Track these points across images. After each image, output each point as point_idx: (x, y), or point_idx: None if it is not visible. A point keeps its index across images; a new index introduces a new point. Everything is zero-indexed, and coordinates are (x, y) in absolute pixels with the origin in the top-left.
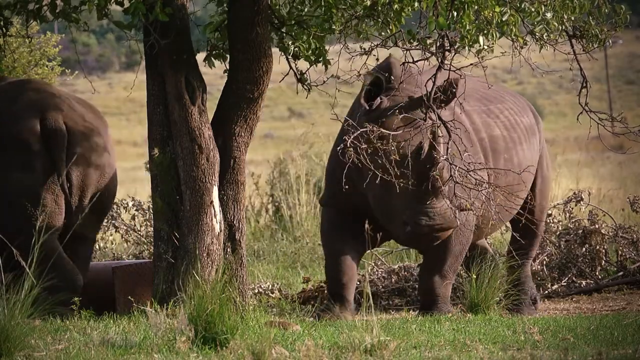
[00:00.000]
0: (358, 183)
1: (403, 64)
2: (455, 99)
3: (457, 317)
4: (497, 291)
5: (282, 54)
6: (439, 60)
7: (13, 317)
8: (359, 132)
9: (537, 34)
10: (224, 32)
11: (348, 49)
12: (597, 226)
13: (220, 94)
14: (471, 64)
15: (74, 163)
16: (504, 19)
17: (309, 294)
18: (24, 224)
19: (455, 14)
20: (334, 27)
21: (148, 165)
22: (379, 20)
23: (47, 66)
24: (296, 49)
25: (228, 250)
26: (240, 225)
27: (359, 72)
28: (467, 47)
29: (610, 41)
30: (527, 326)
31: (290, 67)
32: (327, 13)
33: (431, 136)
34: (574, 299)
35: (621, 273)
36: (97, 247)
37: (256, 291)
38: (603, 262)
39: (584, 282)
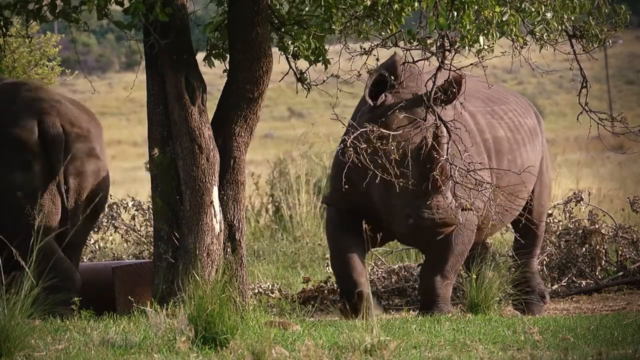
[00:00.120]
0: (358, 183)
1: (403, 63)
2: (457, 98)
3: (457, 317)
4: (497, 291)
5: (282, 53)
6: (439, 60)
7: (13, 317)
8: (358, 132)
9: (537, 34)
10: (223, 32)
11: (348, 49)
12: (597, 226)
13: (220, 94)
14: (471, 64)
15: (70, 165)
16: (504, 19)
17: (309, 294)
18: (22, 223)
19: (455, 14)
20: (334, 27)
21: (148, 165)
22: (379, 20)
23: (47, 66)
24: (296, 48)
25: (228, 250)
26: (240, 225)
27: (359, 72)
28: (467, 47)
29: (610, 41)
30: (527, 326)
31: (290, 67)
32: (327, 13)
33: (433, 133)
34: (574, 299)
35: (621, 273)
36: (97, 247)
37: (256, 291)
38: (603, 262)
39: (584, 282)
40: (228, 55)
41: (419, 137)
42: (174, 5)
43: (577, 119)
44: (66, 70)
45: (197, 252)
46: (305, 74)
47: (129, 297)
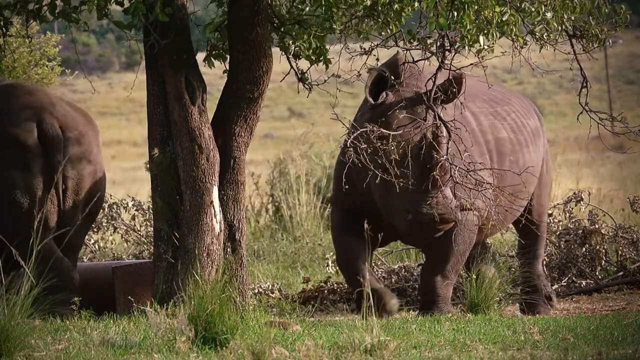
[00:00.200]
0: (359, 183)
1: (403, 63)
2: (457, 98)
3: (457, 317)
4: (497, 291)
5: (283, 53)
6: (439, 60)
7: (13, 317)
8: (359, 132)
9: (537, 33)
10: (223, 33)
11: (348, 48)
12: (597, 226)
13: (220, 94)
14: (471, 64)
15: (68, 166)
16: (504, 19)
17: (309, 294)
18: (22, 224)
19: (455, 14)
20: (335, 26)
21: (148, 165)
22: (379, 20)
23: (47, 66)
24: (297, 48)
25: (228, 250)
26: (240, 225)
27: (358, 72)
28: (467, 47)
29: (610, 41)
30: (527, 326)
31: (291, 67)
32: (327, 12)
33: (432, 131)
34: (574, 299)
35: (621, 273)
36: (97, 247)
37: (256, 291)
38: (603, 262)
39: (584, 282)
40: (228, 56)
41: (419, 136)
42: (174, 5)
43: (577, 119)
44: (66, 70)
45: (197, 252)
46: (306, 74)
47: (129, 297)
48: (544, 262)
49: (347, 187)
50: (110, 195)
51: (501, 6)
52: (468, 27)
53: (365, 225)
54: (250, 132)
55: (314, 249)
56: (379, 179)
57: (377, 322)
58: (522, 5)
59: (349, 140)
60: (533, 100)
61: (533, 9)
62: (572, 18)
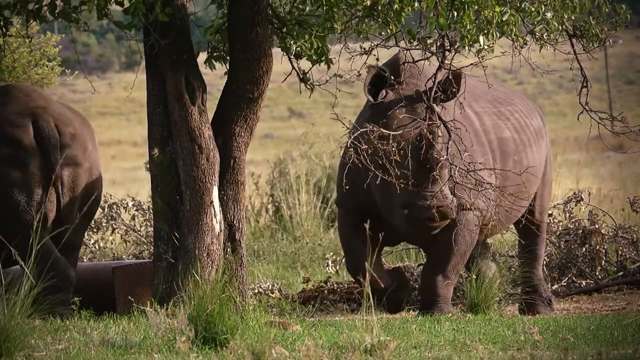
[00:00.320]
0: (359, 182)
1: (403, 63)
2: (457, 97)
3: (457, 317)
4: (497, 291)
5: (284, 54)
6: (439, 60)
7: (13, 317)
8: (359, 132)
9: (537, 33)
10: (224, 34)
11: (348, 48)
12: (597, 226)
13: (220, 94)
14: (471, 64)
15: (64, 164)
16: (504, 19)
17: (309, 294)
18: (20, 223)
19: (455, 13)
20: (336, 26)
21: (148, 165)
22: (379, 20)
23: (47, 66)
24: (298, 48)
25: (228, 250)
26: (240, 225)
27: (358, 72)
28: (467, 47)
29: (610, 41)
30: (527, 326)
31: (293, 67)
32: (328, 12)
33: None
34: (574, 299)
35: (621, 273)
36: (97, 247)
37: (256, 291)
38: (603, 262)
39: (584, 282)
40: (229, 57)
41: (416, 133)
42: (174, 5)
43: (578, 119)
44: (66, 70)
45: (197, 252)
46: (307, 74)
47: (129, 297)
48: (544, 262)
49: (347, 187)
50: (110, 195)
51: (501, 6)
52: (468, 27)
53: (366, 226)
54: (250, 132)
55: (314, 249)
56: (379, 179)
57: (377, 322)
58: (522, 5)
59: (349, 141)
60: (533, 100)
61: (533, 9)
62: (572, 18)
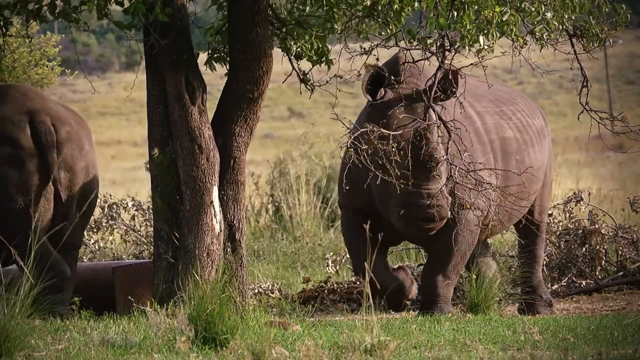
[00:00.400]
0: (360, 183)
1: (403, 63)
2: (455, 95)
3: (457, 317)
4: (497, 291)
5: (284, 54)
6: (439, 60)
7: (13, 317)
8: (359, 132)
9: (537, 33)
10: (224, 36)
11: (348, 48)
12: (597, 226)
13: (220, 94)
14: (471, 64)
15: (61, 165)
16: (504, 19)
17: (309, 294)
18: (19, 222)
19: (455, 13)
20: (336, 26)
21: (148, 165)
22: (379, 20)
23: (47, 66)
24: (298, 49)
25: (228, 250)
26: (240, 225)
27: (358, 72)
28: (467, 47)
29: (610, 40)
30: (527, 326)
31: (293, 68)
32: (328, 13)
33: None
34: (574, 299)
35: (621, 273)
36: (97, 247)
37: (256, 291)
38: (603, 262)
39: (584, 282)
40: (229, 59)
41: (412, 130)
42: (174, 5)
43: (578, 118)
44: (66, 70)
45: (197, 252)
46: (308, 75)
47: (129, 297)
48: (544, 262)
49: (347, 187)
50: (110, 195)
51: (501, 6)
52: (468, 27)
53: (366, 226)
54: (250, 132)
55: (314, 249)
56: (379, 179)
57: (377, 322)
58: (522, 5)
59: (349, 141)
60: (533, 100)
61: (533, 9)
62: (573, 18)
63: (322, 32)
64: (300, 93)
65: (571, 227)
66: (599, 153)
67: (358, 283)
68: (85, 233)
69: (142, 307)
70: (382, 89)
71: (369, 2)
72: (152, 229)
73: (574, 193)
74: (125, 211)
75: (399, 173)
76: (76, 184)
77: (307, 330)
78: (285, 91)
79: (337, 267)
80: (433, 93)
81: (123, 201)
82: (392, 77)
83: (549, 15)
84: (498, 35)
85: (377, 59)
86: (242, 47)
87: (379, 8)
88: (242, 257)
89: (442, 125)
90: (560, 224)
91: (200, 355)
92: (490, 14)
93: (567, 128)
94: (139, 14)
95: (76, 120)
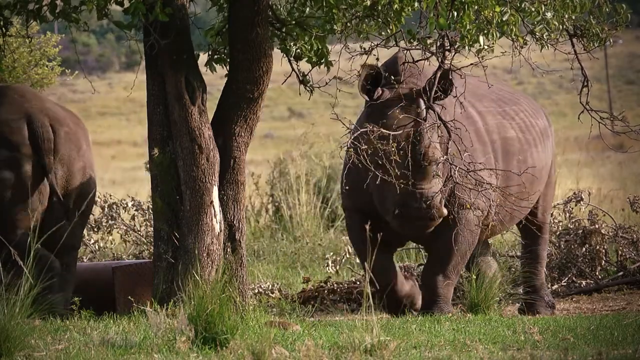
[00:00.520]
0: (360, 183)
1: (403, 63)
2: (457, 97)
3: (457, 317)
4: (497, 291)
5: (284, 55)
6: (439, 60)
7: (13, 317)
8: (358, 132)
9: (537, 33)
10: (224, 37)
11: (348, 48)
12: (597, 226)
13: (220, 94)
14: (471, 64)
15: (59, 165)
16: (504, 19)
17: (309, 294)
18: (16, 223)
19: (455, 14)
20: (335, 27)
21: (148, 165)
22: (379, 20)
23: (47, 66)
24: (298, 50)
25: (228, 250)
26: (240, 225)
27: (358, 72)
28: (467, 47)
29: (611, 40)
30: (527, 326)
31: (293, 69)
32: (328, 14)
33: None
34: (574, 299)
35: (621, 273)
36: (97, 247)
37: (256, 291)
38: (603, 262)
39: (584, 282)
40: (229, 59)
41: (407, 130)
42: (174, 5)
43: (579, 118)
44: (66, 70)
45: (197, 252)
46: (307, 76)
47: (129, 297)
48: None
49: (347, 187)
50: (110, 195)
51: (501, 6)
52: (468, 27)
53: (367, 226)
54: (250, 132)
55: (314, 249)
56: (379, 179)
57: (377, 322)
58: (522, 5)
59: (349, 141)
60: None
61: (533, 9)
62: (573, 17)
63: (321, 33)
64: (300, 94)
65: (571, 227)
66: (599, 153)
67: (358, 283)
68: (85, 233)
69: (142, 307)
70: (380, 88)
71: (369, 2)
72: (152, 229)
73: (574, 193)
74: (125, 211)
75: (398, 173)
76: (73, 185)
77: (307, 330)
78: (285, 91)
79: (337, 267)
80: (433, 93)
81: (123, 201)
82: (392, 77)
83: (549, 15)
84: (498, 35)
85: (377, 59)
86: (242, 47)
87: (379, 8)
88: (242, 257)
89: (442, 125)
90: (560, 224)
91: (200, 355)
92: (490, 14)
93: (567, 128)
94: (139, 14)
95: (74, 120)
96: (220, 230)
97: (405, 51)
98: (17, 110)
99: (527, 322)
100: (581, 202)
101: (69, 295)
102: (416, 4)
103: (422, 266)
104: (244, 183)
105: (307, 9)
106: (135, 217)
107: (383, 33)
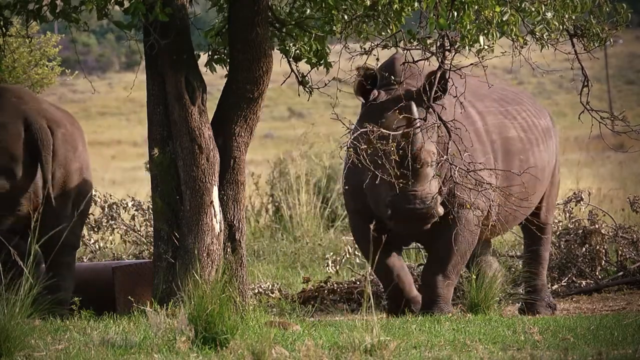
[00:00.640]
0: (360, 183)
1: (403, 63)
2: (457, 96)
3: (457, 317)
4: (497, 291)
5: (284, 56)
6: (439, 60)
7: (13, 317)
8: (359, 132)
9: (537, 33)
10: (224, 37)
11: (348, 49)
12: (597, 226)
13: (220, 94)
14: (471, 64)
15: (56, 166)
16: (504, 19)
17: (309, 294)
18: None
19: (455, 14)
20: (335, 28)
21: (148, 165)
22: (379, 20)
23: (47, 66)
24: (297, 51)
25: (228, 250)
26: (240, 225)
27: (357, 72)
28: (467, 47)
29: (611, 40)
30: (527, 326)
31: (292, 70)
32: (327, 15)
33: (407, 122)
34: (574, 299)
35: (621, 273)
36: (97, 247)
37: (256, 291)
38: (603, 262)
39: (584, 282)
40: (229, 59)
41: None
42: (174, 5)
43: (579, 118)
44: (66, 70)
45: (197, 252)
46: (307, 77)
47: (129, 297)
48: None
49: (346, 187)
50: (110, 195)
51: (501, 6)
52: (468, 27)
53: (371, 227)
54: (250, 132)
55: (314, 249)
56: (371, 180)
57: (377, 322)
58: (522, 5)
59: (349, 141)
60: None
61: (533, 9)
62: (573, 17)
63: (321, 33)
64: (299, 95)
65: (571, 227)
66: (599, 153)
67: (358, 283)
68: (85, 233)
69: (142, 307)
70: (375, 90)
71: (369, 2)
72: (152, 229)
73: (574, 193)
74: (125, 211)
75: (392, 174)
76: (71, 185)
77: (307, 330)
78: (285, 91)
79: (337, 267)
80: (425, 92)
81: (123, 201)
82: (392, 78)
83: (549, 15)
84: (498, 35)
85: (377, 59)
86: (242, 47)
87: (379, 8)
88: (242, 257)
89: (441, 125)
90: (560, 224)
91: (200, 355)
92: (490, 14)
93: (567, 128)
94: (139, 14)
95: (70, 121)
96: (220, 230)
97: (405, 51)
98: (15, 112)
99: (527, 322)
100: (581, 202)
101: (69, 295)
102: (416, 4)
103: (422, 266)
104: (244, 183)
105: (307, 9)
106: (135, 217)
107: (383, 33)
